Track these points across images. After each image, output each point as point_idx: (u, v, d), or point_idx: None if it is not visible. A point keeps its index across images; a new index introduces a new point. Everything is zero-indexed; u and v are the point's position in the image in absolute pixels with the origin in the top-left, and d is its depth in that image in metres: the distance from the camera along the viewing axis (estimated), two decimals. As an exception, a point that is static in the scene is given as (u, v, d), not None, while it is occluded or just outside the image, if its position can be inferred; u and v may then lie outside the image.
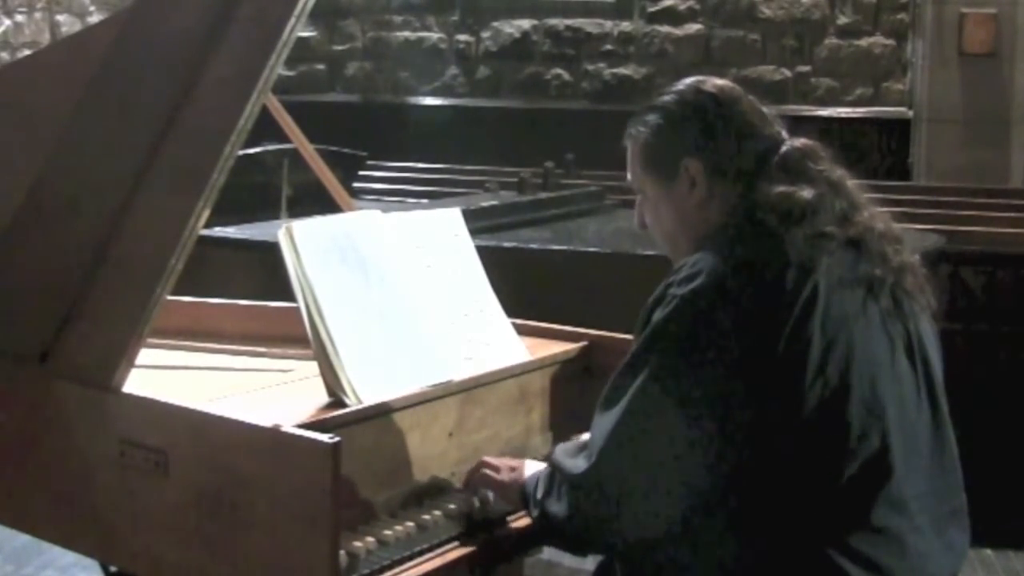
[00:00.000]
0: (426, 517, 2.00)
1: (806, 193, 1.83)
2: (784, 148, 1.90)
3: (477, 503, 2.04)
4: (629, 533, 1.79)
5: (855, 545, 1.73)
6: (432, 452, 2.12)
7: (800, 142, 1.93)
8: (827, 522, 1.73)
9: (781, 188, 1.84)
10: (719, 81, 1.98)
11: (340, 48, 8.83)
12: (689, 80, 1.99)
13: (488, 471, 2.06)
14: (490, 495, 2.05)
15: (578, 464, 1.84)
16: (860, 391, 1.76)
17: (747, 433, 1.73)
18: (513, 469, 2.04)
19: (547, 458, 1.99)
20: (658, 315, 1.79)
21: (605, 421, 1.81)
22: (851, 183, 1.92)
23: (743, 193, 1.87)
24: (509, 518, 2.06)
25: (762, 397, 1.73)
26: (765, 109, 1.97)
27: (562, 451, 1.92)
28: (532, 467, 2.03)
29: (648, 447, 1.76)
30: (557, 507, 1.87)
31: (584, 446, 1.87)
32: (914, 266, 1.91)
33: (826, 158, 1.92)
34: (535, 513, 1.94)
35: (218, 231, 3.99)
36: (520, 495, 1.99)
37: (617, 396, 1.81)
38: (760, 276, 1.76)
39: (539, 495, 1.91)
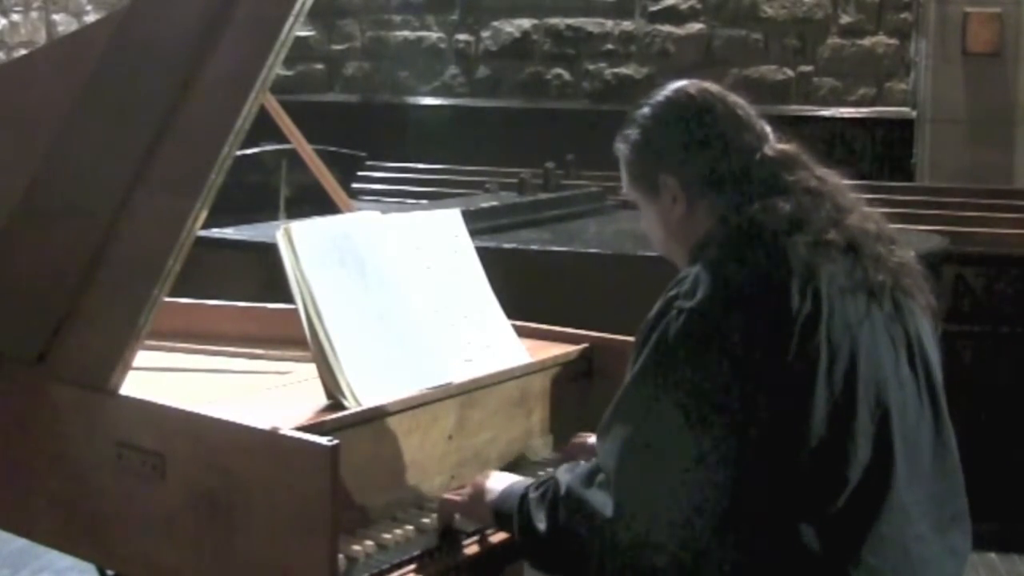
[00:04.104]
0: (426, 520, 1.99)
1: (783, 206, 1.80)
2: (757, 157, 1.87)
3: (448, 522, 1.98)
4: (664, 559, 1.71)
5: (859, 554, 1.70)
6: (432, 455, 2.10)
7: (775, 150, 1.89)
8: (832, 532, 1.70)
9: (758, 204, 1.81)
10: (693, 89, 1.94)
11: (339, 48, 8.82)
12: (665, 90, 1.96)
13: (449, 495, 2.00)
14: (456, 517, 1.99)
15: (604, 503, 1.74)
16: (866, 399, 1.74)
17: (760, 445, 1.70)
18: (477, 484, 1.97)
19: (560, 488, 1.85)
20: (665, 329, 1.74)
21: (620, 445, 1.74)
22: (834, 185, 1.88)
23: (727, 205, 1.85)
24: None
25: (773, 408, 1.70)
26: (750, 110, 1.93)
27: (577, 480, 1.81)
28: (496, 479, 1.97)
29: (671, 468, 1.70)
30: (582, 546, 1.77)
31: (594, 472, 1.80)
32: (910, 265, 1.89)
33: (803, 164, 1.88)
34: (525, 541, 1.86)
35: (216, 232, 3.98)
36: (492, 510, 1.92)
37: (628, 416, 1.76)
38: (765, 285, 1.74)
39: (541, 526, 1.82)
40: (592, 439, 2.20)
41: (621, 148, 1.97)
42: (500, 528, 1.94)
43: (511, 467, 2.25)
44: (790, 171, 1.87)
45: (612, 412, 1.80)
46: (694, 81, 1.97)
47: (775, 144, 1.90)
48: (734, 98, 1.94)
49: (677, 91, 1.94)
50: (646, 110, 1.95)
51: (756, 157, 1.87)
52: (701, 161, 1.88)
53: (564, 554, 1.81)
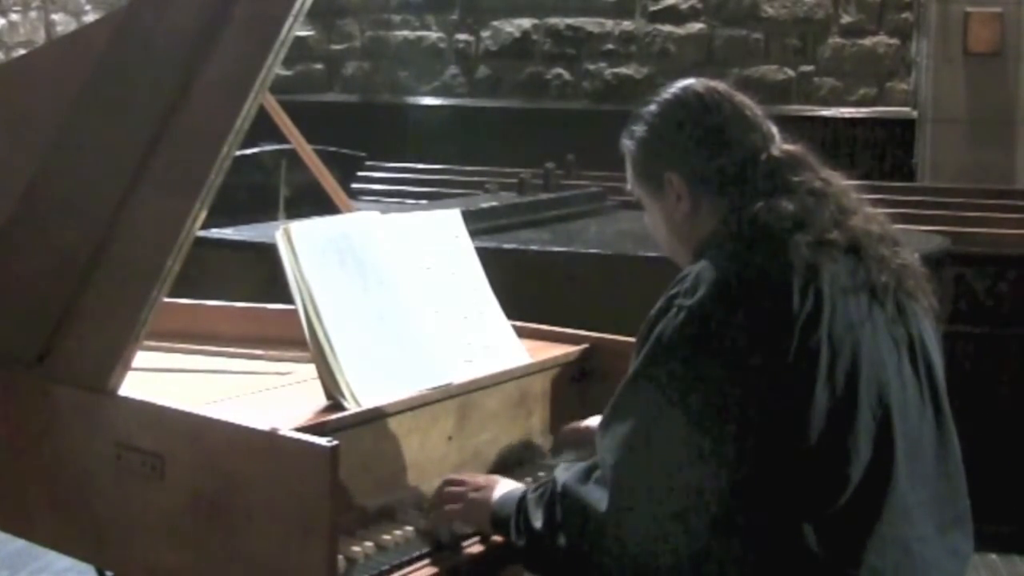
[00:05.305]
0: (425, 522, 1.98)
1: (787, 206, 1.81)
2: (763, 157, 1.87)
3: (444, 531, 1.95)
4: (659, 557, 1.72)
5: (860, 555, 1.70)
6: (431, 456, 2.10)
7: (781, 150, 1.90)
8: (833, 532, 1.70)
9: (761, 203, 1.81)
10: (702, 87, 1.94)
11: (338, 47, 8.81)
12: (673, 87, 1.96)
13: (452, 490, 1.97)
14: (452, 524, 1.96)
15: (599, 499, 1.74)
16: (868, 399, 1.74)
17: (758, 445, 1.69)
18: (478, 488, 1.95)
19: (558, 486, 1.85)
20: (665, 326, 1.75)
21: (617, 442, 1.75)
22: (839, 187, 1.88)
23: (731, 204, 1.85)
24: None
25: (772, 407, 1.70)
26: (757, 110, 1.93)
27: (573, 477, 1.81)
28: (503, 486, 1.95)
29: (668, 465, 1.71)
30: (577, 543, 1.77)
31: (591, 469, 1.80)
32: (913, 267, 1.89)
33: (809, 165, 1.89)
34: (522, 542, 1.85)
35: (215, 232, 3.98)
36: (490, 518, 1.91)
37: (626, 413, 1.76)
38: (766, 284, 1.74)
39: (537, 524, 1.82)
40: (583, 423, 2.21)
41: (627, 144, 1.97)
42: (496, 532, 1.92)
43: (511, 467, 2.24)
44: (795, 172, 1.87)
45: (611, 409, 1.80)
46: (702, 79, 1.97)
47: (781, 144, 1.91)
48: (741, 97, 1.94)
49: (685, 89, 1.95)
50: (653, 107, 1.95)
51: (762, 157, 1.88)
52: (707, 160, 1.88)
53: (559, 552, 1.80)
